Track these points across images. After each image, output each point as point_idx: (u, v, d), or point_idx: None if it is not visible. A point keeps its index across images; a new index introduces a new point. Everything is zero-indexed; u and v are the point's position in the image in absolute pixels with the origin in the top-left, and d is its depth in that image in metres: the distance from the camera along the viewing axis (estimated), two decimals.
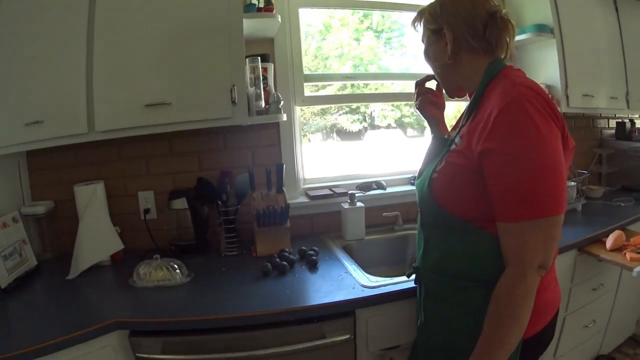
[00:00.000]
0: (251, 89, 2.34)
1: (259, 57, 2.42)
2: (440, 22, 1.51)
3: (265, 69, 2.53)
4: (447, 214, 1.43)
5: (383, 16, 3.37)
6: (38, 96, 2.11)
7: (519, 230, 1.26)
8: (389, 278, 2.01)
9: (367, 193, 2.74)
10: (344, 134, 3.65)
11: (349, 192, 2.75)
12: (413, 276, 1.70)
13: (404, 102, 3.51)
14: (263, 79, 2.46)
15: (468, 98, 1.60)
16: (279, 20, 2.45)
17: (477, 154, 1.32)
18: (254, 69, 2.37)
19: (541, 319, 1.45)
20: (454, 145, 1.46)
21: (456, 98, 1.66)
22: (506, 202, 1.27)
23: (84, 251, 2.22)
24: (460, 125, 1.53)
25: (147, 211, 2.57)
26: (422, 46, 1.62)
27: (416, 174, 1.72)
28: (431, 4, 1.55)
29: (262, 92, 2.42)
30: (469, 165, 1.36)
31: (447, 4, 1.50)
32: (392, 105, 3.54)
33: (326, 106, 3.35)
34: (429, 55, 1.59)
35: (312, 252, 2.33)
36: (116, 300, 1.93)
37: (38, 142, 2.14)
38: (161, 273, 2.05)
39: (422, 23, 1.57)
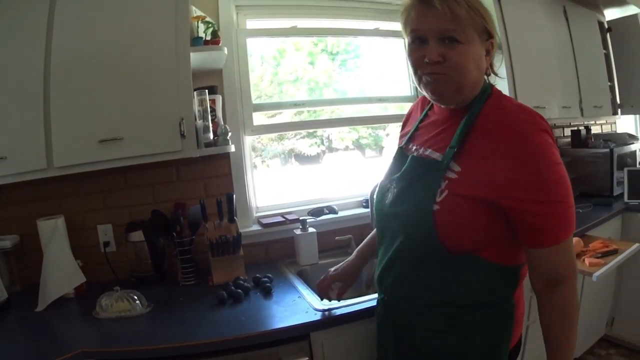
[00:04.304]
0: (199, 122, 2.53)
1: (207, 90, 2.61)
2: (492, 29, 1.49)
3: (213, 101, 2.74)
4: (443, 246, 1.43)
5: (337, 39, 3.58)
6: (2, 133, 2.27)
7: (564, 248, 1.42)
8: (343, 300, 2.14)
9: (319, 218, 2.93)
10: (302, 158, 3.80)
11: (301, 218, 2.96)
12: (365, 298, 1.86)
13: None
14: (211, 111, 2.66)
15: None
16: (226, 52, 2.66)
17: (507, 196, 1.38)
18: (202, 102, 2.56)
19: (520, 328, 1.64)
20: (452, 174, 1.45)
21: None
22: (550, 230, 1.40)
23: (49, 284, 2.37)
24: (451, 145, 1.49)
25: (106, 244, 2.75)
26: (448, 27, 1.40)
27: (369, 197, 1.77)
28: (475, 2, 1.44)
29: (210, 124, 2.62)
30: (482, 196, 1.40)
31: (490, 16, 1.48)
32: (349, 126, 3.73)
33: (284, 132, 3.52)
34: (470, 54, 1.44)
35: (266, 279, 2.50)
36: (82, 331, 2.11)
37: (1, 177, 2.31)
38: (122, 304, 2.21)
39: (471, 12, 1.41)
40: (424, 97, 1.75)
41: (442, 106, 1.59)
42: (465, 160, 1.44)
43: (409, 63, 1.53)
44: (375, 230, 1.88)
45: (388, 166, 1.76)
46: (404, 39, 1.57)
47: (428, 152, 1.58)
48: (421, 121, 1.74)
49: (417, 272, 1.53)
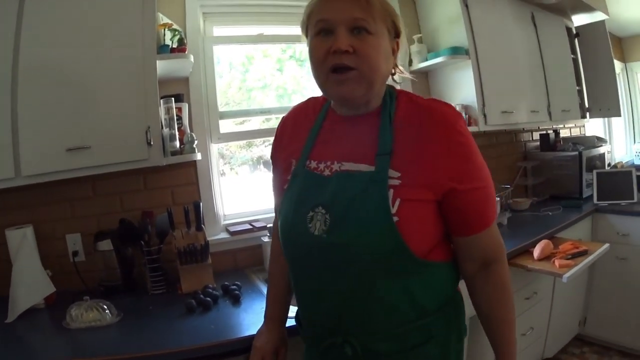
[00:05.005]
0: (166, 130, 2.60)
1: (173, 98, 2.68)
2: (400, 28, 1.46)
3: (179, 109, 2.79)
4: (414, 254, 1.37)
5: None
6: None
7: (493, 230, 1.51)
8: None
9: None
10: (271, 165, 3.76)
11: (268, 225, 3.00)
12: None
13: None
14: (177, 119, 2.72)
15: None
16: (192, 60, 2.72)
17: (449, 189, 1.39)
18: (168, 110, 2.64)
19: None
20: (394, 180, 1.37)
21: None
22: (482, 214, 1.46)
23: (19, 295, 2.38)
24: (381, 152, 1.40)
25: (75, 253, 2.76)
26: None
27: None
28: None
29: (177, 132, 2.68)
30: (434, 197, 1.40)
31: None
32: None
33: (251, 139, 3.56)
34: (380, 46, 1.39)
35: (234, 286, 2.53)
36: (53, 342, 2.13)
37: None
38: (92, 314, 2.23)
39: (379, 9, 1.38)
40: (303, 110, 1.69)
41: (346, 113, 1.53)
42: (400, 163, 1.38)
43: (312, 61, 1.43)
44: (271, 279, 1.88)
45: (293, 191, 1.55)
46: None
47: (347, 165, 1.46)
48: (316, 135, 1.59)
49: (388, 294, 1.41)
